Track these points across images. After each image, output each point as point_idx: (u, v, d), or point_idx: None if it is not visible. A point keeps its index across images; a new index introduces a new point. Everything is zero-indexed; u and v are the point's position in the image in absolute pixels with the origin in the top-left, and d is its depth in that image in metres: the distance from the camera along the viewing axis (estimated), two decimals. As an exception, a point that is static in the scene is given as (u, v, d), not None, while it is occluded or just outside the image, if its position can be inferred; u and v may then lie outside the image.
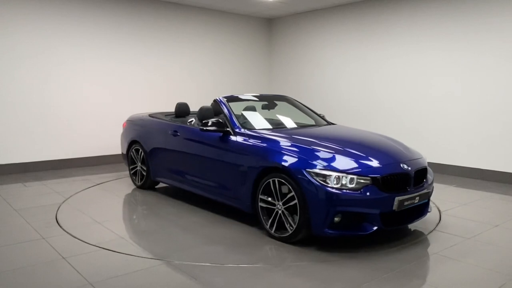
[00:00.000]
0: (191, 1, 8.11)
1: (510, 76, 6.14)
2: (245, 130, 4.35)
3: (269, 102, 5.33)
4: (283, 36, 9.58)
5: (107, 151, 7.62)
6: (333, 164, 3.60)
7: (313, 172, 3.52)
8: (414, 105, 7.28)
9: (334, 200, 3.43)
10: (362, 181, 3.50)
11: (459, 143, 6.76)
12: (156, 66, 8.16)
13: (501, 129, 6.26)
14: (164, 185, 5.90)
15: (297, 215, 3.62)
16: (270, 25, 9.88)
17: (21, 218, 4.47)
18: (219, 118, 4.60)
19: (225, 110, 4.63)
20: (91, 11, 7.30)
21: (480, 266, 3.34)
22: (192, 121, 5.28)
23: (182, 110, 5.80)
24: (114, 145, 7.41)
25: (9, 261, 3.38)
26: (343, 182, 3.47)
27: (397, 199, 3.56)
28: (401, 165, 3.76)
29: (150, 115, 5.86)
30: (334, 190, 3.43)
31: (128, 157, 5.93)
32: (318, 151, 3.80)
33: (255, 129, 4.42)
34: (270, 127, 4.62)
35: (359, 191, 3.46)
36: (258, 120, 4.77)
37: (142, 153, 5.61)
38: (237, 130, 4.35)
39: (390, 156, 3.88)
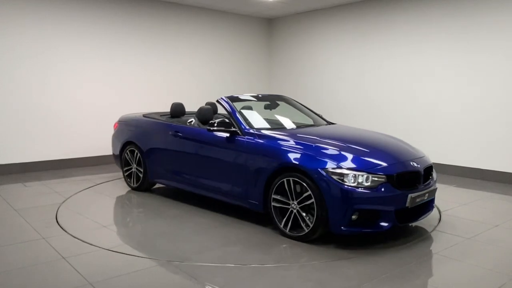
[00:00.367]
0: (191, 1, 8.11)
1: (510, 76, 6.14)
2: (254, 130, 4.34)
3: (271, 102, 5.33)
4: (283, 36, 9.58)
5: (107, 151, 7.59)
6: (349, 162, 3.66)
7: (331, 171, 3.57)
8: (414, 105, 7.28)
9: (352, 198, 3.49)
10: (377, 179, 3.57)
11: (459, 143, 6.76)
12: (156, 66, 8.16)
13: (501, 129, 6.26)
14: (160, 186, 5.82)
15: (312, 214, 3.67)
16: (270, 25, 9.88)
17: (21, 218, 4.47)
18: (224, 118, 4.59)
19: (231, 111, 4.59)
20: (90, 11, 7.30)
21: (480, 266, 3.34)
22: (191, 121, 5.26)
23: (177, 110, 5.74)
24: (114, 145, 7.40)
25: (9, 261, 3.38)
26: (359, 180, 3.53)
27: (410, 196, 3.66)
28: (411, 163, 3.88)
29: (144, 115, 5.76)
30: (352, 188, 3.50)
31: (122, 159, 5.79)
32: (333, 150, 3.84)
33: (261, 129, 4.40)
34: (277, 126, 4.61)
35: (375, 189, 3.54)
36: (262, 120, 4.71)
37: (138, 155, 5.48)
38: (245, 130, 4.34)
39: (400, 154, 4.00)
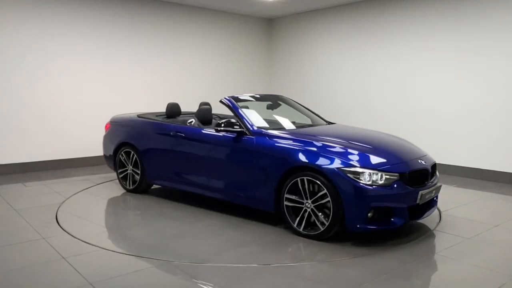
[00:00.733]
0: (191, 1, 8.11)
1: (511, 77, 6.14)
2: (262, 130, 4.34)
3: (272, 102, 5.33)
4: (283, 36, 9.58)
5: (107, 151, 7.62)
6: (363, 161, 3.74)
7: (347, 170, 3.63)
8: (414, 105, 7.28)
9: (369, 196, 3.57)
10: (390, 177, 3.66)
11: (459, 143, 6.76)
12: (156, 66, 8.16)
13: (501, 129, 6.26)
14: (155, 188, 5.76)
15: (325, 212, 3.73)
16: (270, 25, 9.88)
17: (21, 218, 4.47)
18: (229, 118, 4.59)
19: (236, 111, 4.58)
20: (90, 11, 7.30)
21: (480, 266, 3.34)
22: (191, 121, 5.23)
23: (173, 111, 5.69)
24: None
25: (9, 261, 3.38)
26: (374, 178, 3.62)
27: (420, 193, 3.78)
28: (419, 161, 4.02)
29: (139, 116, 5.66)
30: (368, 187, 3.58)
31: (116, 160, 5.65)
32: (345, 149, 3.90)
33: (268, 128, 4.41)
34: (279, 126, 4.61)
35: (388, 187, 3.63)
36: (264, 120, 4.70)
37: (135, 156, 5.38)
38: (253, 130, 4.34)
39: (408, 153, 4.13)
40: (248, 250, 3.66)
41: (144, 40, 7.95)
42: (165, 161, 5.09)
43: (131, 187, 5.54)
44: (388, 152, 3.99)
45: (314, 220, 3.83)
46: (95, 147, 7.47)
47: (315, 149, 3.90)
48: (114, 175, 6.66)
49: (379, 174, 3.63)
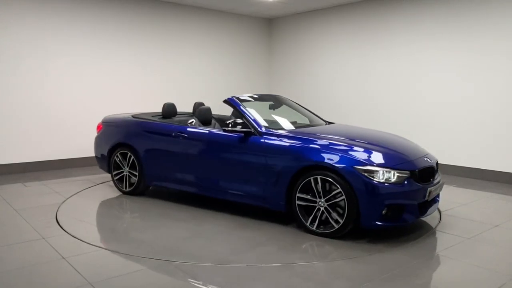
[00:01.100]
0: (191, 1, 8.11)
1: (511, 76, 6.14)
2: (271, 129, 4.35)
3: (274, 102, 5.33)
4: (283, 36, 9.58)
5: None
6: (376, 160, 3.82)
7: (362, 169, 3.70)
8: (414, 105, 7.28)
9: (383, 194, 3.66)
10: (402, 175, 3.75)
11: (459, 143, 6.76)
12: (156, 67, 8.15)
13: (501, 129, 6.26)
14: (151, 189, 5.69)
15: (341, 210, 3.79)
16: (270, 25, 9.88)
17: (21, 218, 4.47)
18: (235, 119, 4.59)
19: (243, 111, 4.57)
20: (90, 11, 7.30)
21: (480, 266, 3.34)
22: (192, 121, 5.20)
23: (169, 111, 5.64)
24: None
25: (9, 261, 3.38)
26: (387, 176, 3.70)
27: (429, 189, 3.90)
28: (425, 159, 4.16)
29: (134, 116, 5.55)
30: (382, 184, 3.66)
31: (111, 162, 5.52)
32: (356, 148, 3.96)
33: (275, 128, 4.42)
34: (282, 126, 4.61)
35: (400, 184, 3.72)
36: (267, 120, 4.69)
37: (132, 157, 5.26)
38: (261, 130, 4.34)
39: (414, 151, 4.25)
40: (266, 250, 3.67)
41: (144, 40, 7.95)
42: (168, 162, 5.00)
43: (127, 189, 5.40)
44: (396, 151, 4.10)
45: (327, 219, 3.88)
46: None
47: (327, 148, 3.95)
48: (114, 175, 6.66)
49: (392, 172, 3.72)
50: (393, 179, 3.70)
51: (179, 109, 6.35)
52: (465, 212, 4.81)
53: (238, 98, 4.80)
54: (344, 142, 4.08)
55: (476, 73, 6.50)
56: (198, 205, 4.99)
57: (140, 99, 7.94)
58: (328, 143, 4.03)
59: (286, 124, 4.71)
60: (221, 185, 4.59)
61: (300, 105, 5.62)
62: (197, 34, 8.68)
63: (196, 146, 4.79)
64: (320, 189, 3.86)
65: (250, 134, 4.36)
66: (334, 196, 3.79)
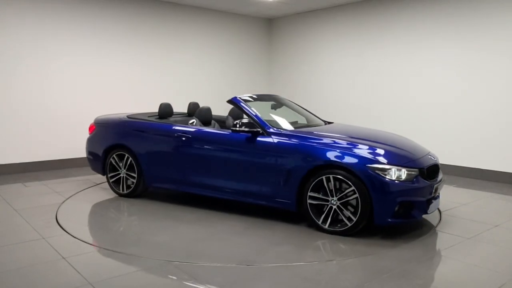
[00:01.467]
0: (191, 1, 8.11)
1: (511, 76, 6.14)
2: (279, 129, 4.37)
3: (274, 102, 5.33)
4: (283, 36, 9.58)
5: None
6: (387, 158, 3.89)
7: (375, 167, 3.77)
8: (414, 105, 7.28)
9: (396, 191, 3.74)
10: (412, 172, 3.85)
11: (459, 143, 6.76)
12: (156, 67, 8.15)
13: (501, 129, 6.26)
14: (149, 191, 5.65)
15: (352, 208, 3.86)
16: (270, 25, 9.88)
17: (21, 218, 4.47)
18: (241, 119, 4.59)
19: (249, 111, 4.56)
20: (90, 11, 7.30)
21: (480, 266, 3.34)
22: (193, 122, 5.17)
23: (166, 111, 5.58)
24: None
25: (9, 261, 3.38)
26: (398, 174, 3.79)
27: (435, 186, 4.03)
28: (429, 156, 4.28)
29: (129, 117, 5.43)
30: (395, 182, 3.75)
31: (106, 164, 5.39)
32: (366, 147, 4.02)
33: (282, 128, 4.43)
34: (290, 126, 4.62)
35: (410, 182, 3.82)
36: (267, 121, 4.69)
37: (130, 159, 5.15)
38: (269, 130, 4.35)
39: (419, 150, 4.36)
40: (285, 249, 3.69)
41: (144, 40, 7.95)
42: (171, 163, 4.90)
43: (125, 192, 5.28)
44: (404, 149, 4.18)
45: (338, 217, 3.93)
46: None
47: (339, 147, 4.01)
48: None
49: (402, 170, 3.80)
50: (403, 177, 3.79)
51: (178, 109, 6.35)
52: (465, 212, 4.81)
53: (241, 98, 4.78)
54: (353, 141, 4.13)
55: (476, 73, 6.50)
56: (202, 206, 4.94)
57: (140, 99, 7.93)
58: (339, 142, 4.09)
59: (287, 124, 4.71)
60: (230, 186, 4.55)
61: (297, 105, 5.62)
62: (197, 34, 8.68)
63: (202, 146, 4.72)
64: (332, 188, 3.92)
65: (258, 134, 4.36)
66: (346, 195, 3.86)
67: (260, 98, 5.35)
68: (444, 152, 6.86)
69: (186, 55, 8.55)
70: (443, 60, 6.86)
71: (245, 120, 4.46)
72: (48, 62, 6.94)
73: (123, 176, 5.29)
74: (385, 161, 3.83)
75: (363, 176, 3.75)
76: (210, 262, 3.37)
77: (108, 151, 5.37)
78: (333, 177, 3.89)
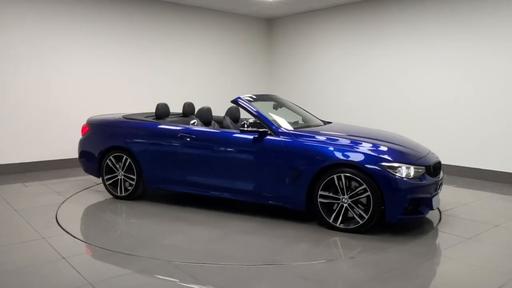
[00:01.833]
0: (191, 1, 8.11)
1: (511, 76, 6.14)
2: (288, 130, 4.39)
3: (277, 102, 5.33)
4: (283, 36, 9.58)
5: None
6: (397, 157, 3.98)
7: (386, 165, 3.86)
8: (414, 105, 7.28)
9: (407, 188, 3.83)
10: (420, 170, 3.96)
11: (459, 143, 6.76)
12: (156, 67, 8.15)
13: (502, 129, 6.26)
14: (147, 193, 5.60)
15: (364, 206, 3.93)
16: (270, 25, 9.88)
17: (21, 218, 4.47)
18: (246, 120, 4.59)
19: (255, 111, 4.54)
20: (90, 12, 7.30)
21: (480, 266, 3.34)
22: (194, 122, 5.15)
23: (163, 111, 5.53)
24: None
25: (9, 261, 3.38)
26: (407, 172, 3.88)
27: (439, 183, 4.18)
28: (432, 155, 4.40)
29: (125, 117, 5.34)
30: (405, 180, 3.84)
31: (102, 166, 5.25)
32: (375, 146, 4.10)
33: (289, 128, 4.45)
34: (290, 127, 4.62)
35: (418, 179, 3.92)
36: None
37: (129, 160, 5.05)
38: (277, 130, 4.36)
39: (422, 148, 4.47)
40: (304, 247, 3.73)
41: (144, 40, 7.95)
42: (174, 164, 4.83)
43: (123, 194, 5.18)
44: (409, 148, 4.28)
45: (347, 215, 4.00)
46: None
47: (348, 146, 4.07)
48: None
49: (411, 168, 3.90)
50: (412, 174, 3.88)
51: (179, 109, 6.34)
52: (465, 212, 4.81)
53: (244, 98, 4.77)
54: (359, 140, 4.18)
55: (476, 73, 6.49)
56: (206, 207, 4.91)
57: (140, 99, 7.93)
58: (346, 141, 4.15)
59: (288, 125, 4.70)
60: (239, 187, 4.53)
61: (295, 105, 5.62)
62: (197, 34, 8.68)
63: (207, 147, 4.66)
64: (343, 186, 3.97)
65: (265, 134, 4.36)
66: (357, 193, 3.92)
67: (260, 98, 5.33)
68: (444, 152, 6.86)
69: (186, 55, 8.55)
70: (443, 60, 6.86)
71: (251, 120, 4.45)
72: (48, 62, 6.94)
73: (121, 178, 5.19)
74: (394, 159, 3.91)
75: (375, 174, 3.83)
76: (231, 262, 3.36)
77: (105, 153, 5.23)
78: (344, 175, 3.94)
